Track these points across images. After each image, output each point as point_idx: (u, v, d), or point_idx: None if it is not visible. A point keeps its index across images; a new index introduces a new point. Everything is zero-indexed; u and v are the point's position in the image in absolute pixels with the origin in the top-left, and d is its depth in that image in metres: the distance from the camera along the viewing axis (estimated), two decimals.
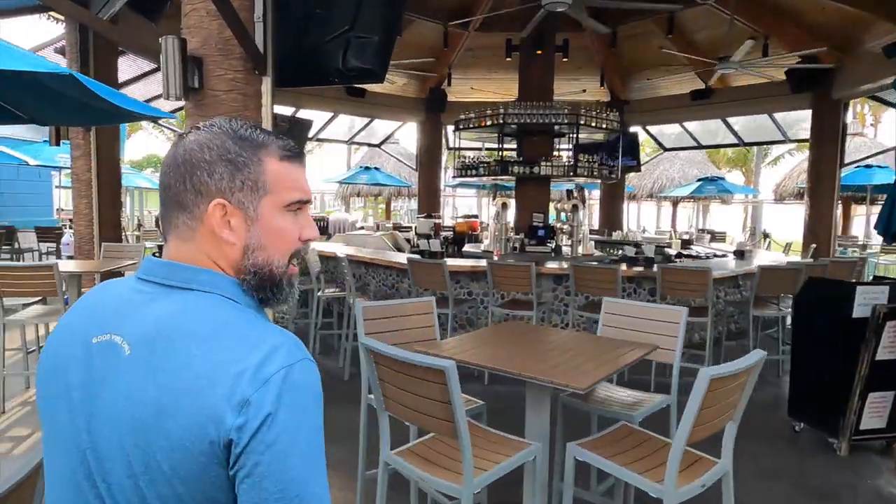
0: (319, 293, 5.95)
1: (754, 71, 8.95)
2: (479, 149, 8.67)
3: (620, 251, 9.55)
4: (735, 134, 12.70)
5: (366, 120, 14.69)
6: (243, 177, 0.87)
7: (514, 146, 8.83)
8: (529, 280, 4.98)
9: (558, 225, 8.58)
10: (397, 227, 11.81)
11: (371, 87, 12.89)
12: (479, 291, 6.11)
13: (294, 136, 12.45)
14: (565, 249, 8.17)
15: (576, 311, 5.15)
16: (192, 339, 0.78)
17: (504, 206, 8.05)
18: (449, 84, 12.81)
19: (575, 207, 7.98)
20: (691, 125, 13.67)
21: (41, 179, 10.53)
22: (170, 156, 0.88)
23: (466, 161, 8.42)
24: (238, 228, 0.87)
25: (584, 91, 13.09)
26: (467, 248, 8.98)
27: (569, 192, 9.38)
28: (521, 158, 7.91)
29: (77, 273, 4.83)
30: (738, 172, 23.33)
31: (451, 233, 11.26)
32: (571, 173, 7.77)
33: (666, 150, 14.43)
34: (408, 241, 10.20)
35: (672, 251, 8.23)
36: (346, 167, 21.40)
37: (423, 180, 14.14)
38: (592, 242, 8.28)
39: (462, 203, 26.77)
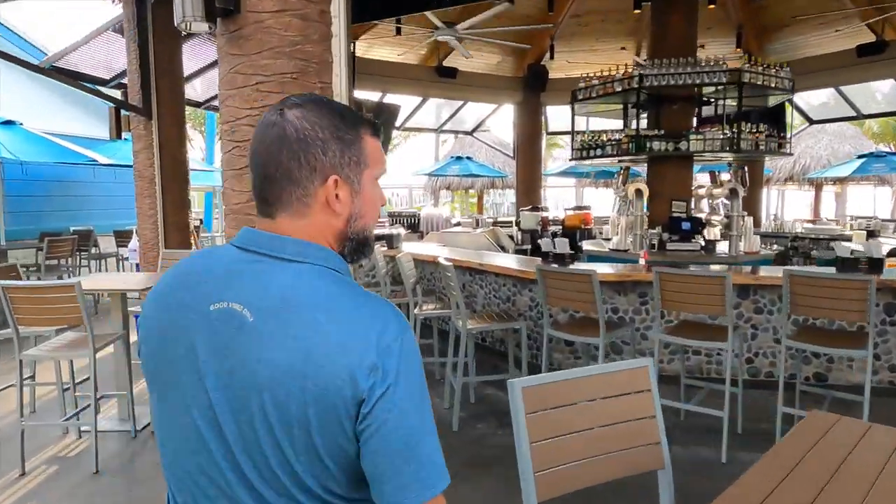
0: (416, 310, 4.65)
1: None
2: (581, 132, 7.11)
3: (793, 247, 7.61)
4: None
5: (454, 107, 13.36)
6: (350, 153, 0.93)
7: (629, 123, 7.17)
8: (722, 295, 3.39)
9: (706, 216, 6.81)
10: (496, 223, 10.38)
11: (464, 66, 11.55)
12: (629, 309, 4.58)
13: (381, 124, 11.34)
14: (720, 247, 6.41)
15: (788, 340, 3.50)
16: (316, 309, 0.85)
17: (638, 192, 6.41)
18: (552, 57, 11.21)
19: (733, 192, 6.20)
20: (847, 90, 11.27)
21: (117, 180, 9.99)
22: (275, 133, 0.91)
23: (588, 140, 6.84)
24: (345, 200, 0.93)
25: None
26: (587, 245, 7.39)
27: (713, 173, 7.55)
28: (660, 132, 6.23)
29: (116, 291, 3.79)
30: (885, 149, 19.92)
31: (560, 227, 9.70)
32: (729, 148, 6.00)
33: (813, 122, 12.03)
34: (510, 237, 8.76)
35: (865, 247, 6.24)
36: (434, 159, 20.21)
37: (521, 169, 12.64)
38: (757, 238, 6.46)
39: (553, 195, 24.91)
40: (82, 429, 3.88)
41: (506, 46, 11.89)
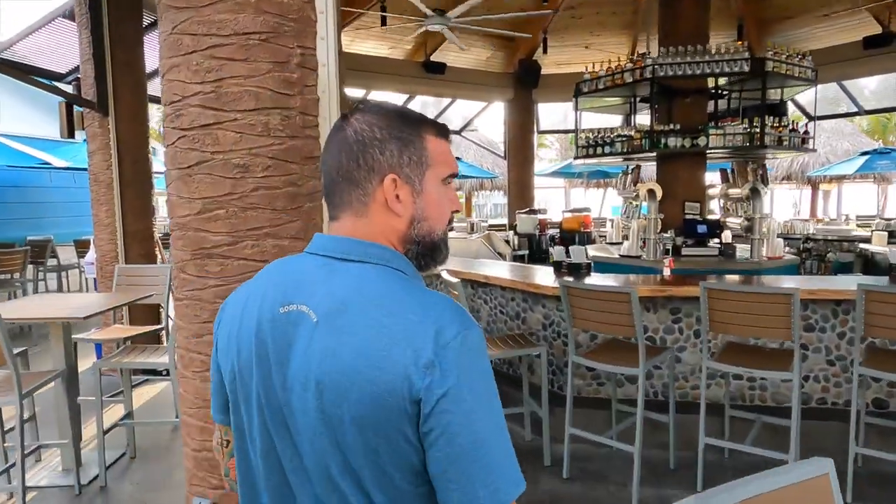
0: None
1: None
2: (588, 129, 6.51)
3: (805, 249, 7.13)
4: None
5: (442, 105, 12.76)
6: (410, 153, 0.91)
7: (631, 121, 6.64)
8: (788, 316, 2.82)
9: (721, 218, 6.29)
10: (490, 227, 9.79)
11: (452, 62, 10.96)
12: (659, 328, 4.01)
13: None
14: (741, 252, 5.89)
15: (862, 367, 2.94)
16: (378, 308, 0.83)
17: (651, 193, 5.86)
18: (545, 51, 10.66)
19: (755, 192, 5.68)
20: (848, 85, 10.91)
21: (78, 185, 9.20)
22: (337, 138, 0.92)
23: (595, 136, 6.28)
24: (406, 201, 0.91)
25: None
26: (593, 251, 6.83)
27: (724, 171, 7.04)
28: (675, 127, 5.68)
29: (49, 320, 3.11)
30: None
31: (558, 230, 9.16)
32: (750, 143, 5.48)
33: (812, 118, 11.63)
34: (506, 242, 8.18)
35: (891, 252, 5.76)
36: None
37: (513, 169, 12.08)
38: (780, 241, 5.94)
39: (542, 196, 24.46)
40: (14, 483, 3.19)
41: (496, 40, 11.35)
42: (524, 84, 11.57)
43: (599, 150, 6.16)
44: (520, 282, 3.99)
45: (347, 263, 0.88)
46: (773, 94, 6.68)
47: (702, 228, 6.03)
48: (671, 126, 5.65)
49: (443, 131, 0.96)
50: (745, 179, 6.25)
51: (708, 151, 6.10)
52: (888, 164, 10.66)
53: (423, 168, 0.91)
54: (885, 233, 6.89)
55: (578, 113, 6.66)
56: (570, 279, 3.97)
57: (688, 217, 6.23)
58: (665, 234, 5.96)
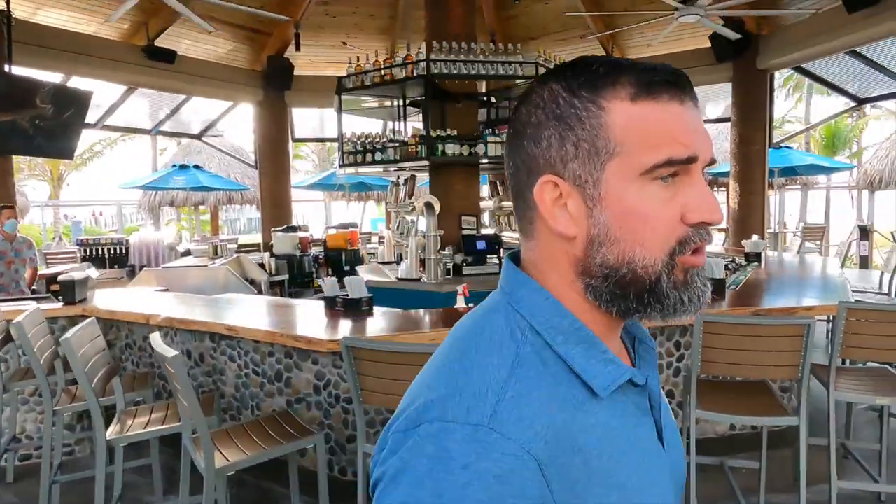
0: (112, 431, 2.57)
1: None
2: (331, 139, 5.68)
3: None
4: None
5: (176, 101, 10.70)
6: (576, 137, 0.58)
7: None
8: (799, 351, 2.23)
9: (501, 233, 5.93)
10: (240, 248, 8.25)
11: (185, 51, 9.12)
12: None
13: (64, 115, 8.26)
14: None
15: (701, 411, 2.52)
16: (433, 359, 0.62)
17: (430, 207, 5.17)
18: (297, 48, 9.50)
19: None
20: None
21: None
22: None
23: (363, 141, 5.37)
24: (577, 213, 0.59)
25: None
26: (365, 273, 5.92)
27: (494, 184, 6.78)
28: (452, 132, 5.08)
29: None
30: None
31: (322, 249, 8.08)
32: None
33: None
34: (261, 266, 6.83)
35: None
36: (152, 169, 16.64)
37: (266, 181, 10.61)
38: None
39: (299, 210, 22.96)
40: None
41: (240, 31, 9.83)
42: (275, 85, 10.24)
43: (368, 156, 5.27)
44: (281, 333, 2.82)
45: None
46: None
47: (481, 244, 5.55)
48: (448, 132, 5.02)
49: (658, 84, 0.56)
50: None
51: (481, 162, 5.67)
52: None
53: (601, 158, 0.57)
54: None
55: (339, 115, 5.69)
56: (352, 324, 2.94)
57: (465, 232, 5.71)
58: (444, 252, 5.32)
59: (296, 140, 12.28)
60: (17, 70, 7.11)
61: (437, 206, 5.24)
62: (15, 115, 7.36)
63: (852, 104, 10.02)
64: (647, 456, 0.61)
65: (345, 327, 2.98)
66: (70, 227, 15.81)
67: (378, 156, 5.15)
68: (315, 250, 7.83)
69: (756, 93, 8.99)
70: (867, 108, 16.67)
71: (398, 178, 6.33)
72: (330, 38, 10.13)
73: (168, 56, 8.70)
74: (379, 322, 3.09)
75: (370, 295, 3.38)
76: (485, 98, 6.02)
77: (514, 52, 5.00)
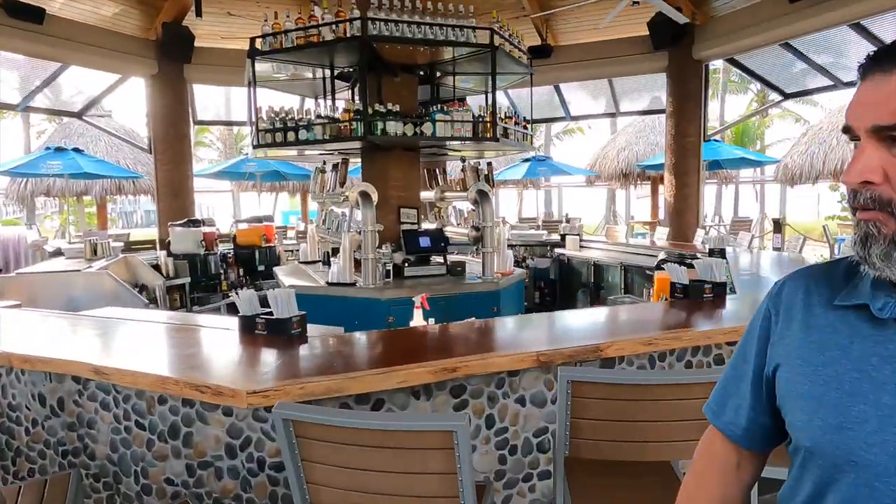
0: None
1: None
2: (239, 122, 4.72)
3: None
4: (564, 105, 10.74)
5: (48, 71, 9.04)
6: None
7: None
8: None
9: (450, 228, 5.19)
10: (129, 246, 6.96)
11: (58, 11, 7.63)
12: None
13: None
14: (470, 268, 4.84)
15: None
16: None
17: (365, 198, 4.33)
18: (199, 14, 8.22)
19: (483, 195, 4.67)
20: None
21: None
22: None
23: (283, 119, 4.43)
24: None
25: None
26: (286, 276, 4.98)
27: (430, 171, 6.01)
28: (394, 108, 4.25)
29: None
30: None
31: (232, 247, 6.98)
32: (481, 135, 4.43)
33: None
34: (156, 268, 5.69)
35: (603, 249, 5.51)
36: (26, 150, 14.42)
37: (163, 168, 9.24)
38: (510, 254, 5.08)
39: (203, 202, 21.08)
40: None
41: None
42: (172, 56, 8.90)
43: (290, 136, 4.34)
44: (176, 380, 1.90)
45: None
46: (477, 85, 5.91)
47: (425, 241, 4.78)
48: (390, 107, 4.19)
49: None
50: (440, 180, 5.25)
51: (422, 146, 4.91)
52: (546, 170, 11.70)
53: None
54: (577, 237, 6.87)
55: (253, 85, 4.69)
56: (279, 359, 2.09)
57: (406, 228, 4.92)
58: (382, 251, 4.50)
59: (198, 123, 10.89)
60: None
61: (375, 197, 4.41)
62: None
63: (774, 100, 10.16)
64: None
65: (269, 363, 2.12)
66: None
67: (303, 134, 4.23)
68: (223, 248, 6.73)
69: (691, 83, 8.81)
70: (771, 107, 17.45)
71: (324, 163, 5.42)
72: (236, 3, 8.90)
73: (34, 14, 7.21)
74: (317, 354, 2.25)
75: (302, 313, 2.52)
76: (426, 72, 5.23)
77: (465, 15, 4.25)
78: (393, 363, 1.98)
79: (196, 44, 8.99)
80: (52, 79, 9.01)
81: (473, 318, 2.74)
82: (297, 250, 7.80)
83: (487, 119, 4.40)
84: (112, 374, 2.02)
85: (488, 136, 4.39)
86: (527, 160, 11.53)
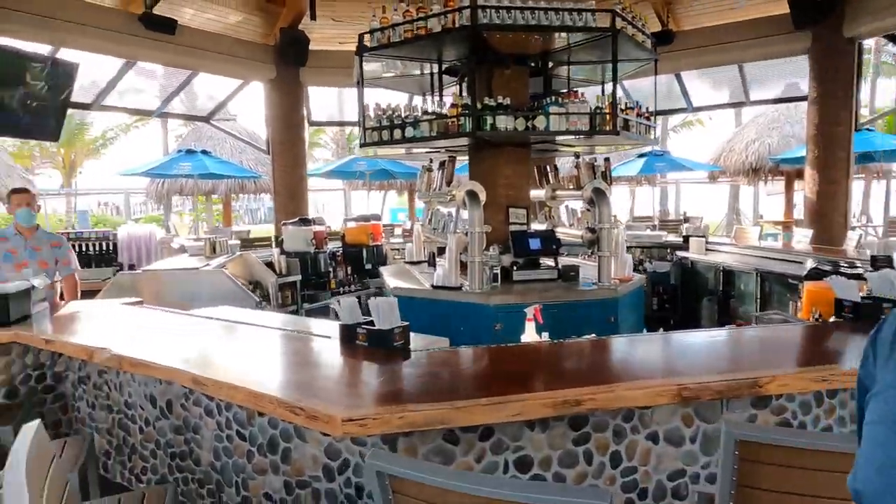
0: None
1: None
2: (351, 122, 4.73)
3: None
4: (687, 97, 9.87)
5: (180, 78, 9.71)
6: None
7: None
8: None
9: (561, 228, 4.86)
10: (247, 243, 7.27)
11: (188, 22, 8.14)
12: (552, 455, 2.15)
13: (52, 92, 7.32)
14: (584, 273, 4.47)
15: None
16: None
17: (473, 197, 4.10)
18: (313, 17, 8.45)
19: (599, 194, 4.28)
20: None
21: None
22: None
23: (389, 117, 4.32)
24: None
25: None
26: (390, 278, 4.88)
27: (540, 168, 5.65)
28: (503, 101, 3.98)
29: None
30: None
31: (341, 245, 7.06)
32: (599, 128, 4.05)
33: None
34: (270, 266, 5.83)
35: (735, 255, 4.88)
36: (164, 152, 15.75)
37: (279, 169, 9.63)
38: (629, 258, 4.65)
39: (316, 200, 21.94)
40: None
41: (248, 0, 8.82)
42: (289, 60, 9.22)
43: (397, 133, 4.21)
44: (270, 398, 1.77)
45: None
46: (590, 76, 5.48)
47: (534, 243, 4.47)
48: (500, 100, 3.92)
49: None
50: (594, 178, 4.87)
51: (534, 141, 4.61)
52: (664, 165, 10.89)
53: None
54: (703, 238, 6.21)
55: (361, 83, 4.62)
56: (379, 378, 1.90)
57: (515, 228, 4.64)
58: (489, 253, 4.25)
59: (312, 124, 11.26)
60: (2, 40, 6.20)
61: (483, 196, 4.17)
62: (2, 92, 6.46)
63: None
64: None
65: (368, 383, 1.94)
66: (77, 218, 15.05)
67: (409, 132, 4.08)
68: (332, 246, 6.82)
69: (840, 66, 7.73)
70: None
71: (430, 161, 5.27)
72: (349, 5, 9.03)
73: (168, 25, 7.71)
74: (421, 373, 2.04)
75: (405, 324, 2.32)
76: (537, 63, 4.90)
77: None
78: (506, 391, 1.72)
79: (311, 47, 9.25)
80: (183, 86, 9.67)
81: (594, 336, 2.41)
82: (403, 249, 7.78)
83: (607, 111, 4.01)
84: (210, 385, 1.94)
85: (607, 128, 4.00)
86: (642, 155, 10.77)
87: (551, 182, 5.37)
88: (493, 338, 3.89)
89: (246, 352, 2.43)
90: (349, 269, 6.91)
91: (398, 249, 7.73)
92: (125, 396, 2.75)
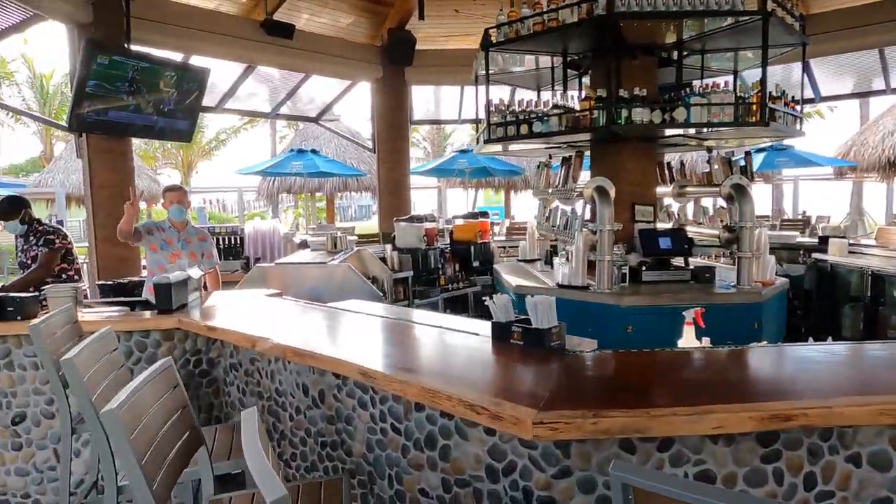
0: None
1: None
2: (451, 121, 4.71)
3: None
4: None
5: (293, 82, 10.14)
6: None
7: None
8: None
9: (697, 228, 4.59)
10: (362, 239, 7.46)
11: (303, 26, 8.48)
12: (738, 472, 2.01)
13: (184, 96, 7.89)
14: (721, 275, 4.19)
15: None
16: None
17: (602, 194, 3.94)
18: (421, 17, 8.55)
19: (740, 190, 3.99)
20: None
21: None
22: None
23: (514, 112, 4.25)
24: None
25: None
26: (510, 276, 4.81)
27: (662, 164, 5.37)
28: (640, 92, 3.80)
29: None
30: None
31: (448, 242, 7.09)
32: (749, 119, 3.77)
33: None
34: (382, 260, 5.93)
35: None
36: (272, 155, 16.59)
37: (384, 166, 9.85)
38: (772, 259, 4.31)
39: (415, 198, 22.35)
40: None
41: (359, 1, 9.06)
42: (396, 60, 9.39)
43: (524, 128, 4.13)
44: (451, 396, 1.74)
45: None
46: (722, 64, 5.13)
47: (665, 242, 4.24)
48: (637, 91, 3.75)
49: None
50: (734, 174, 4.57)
51: (662, 136, 4.37)
52: (787, 160, 10.11)
53: None
54: (844, 240, 5.67)
55: (486, 78, 4.56)
56: (557, 377, 1.84)
57: (641, 227, 4.42)
58: (616, 252, 4.08)
59: (414, 123, 11.43)
60: (136, 49, 6.73)
61: (612, 192, 4.01)
62: (139, 98, 7.01)
63: None
64: None
65: (541, 384, 1.87)
66: (196, 214, 16.19)
67: (537, 126, 3.99)
68: (442, 243, 6.86)
69: None
70: None
71: (549, 157, 5.15)
72: (459, 3, 9.05)
73: (286, 30, 8.08)
74: (590, 375, 1.95)
75: (561, 323, 2.24)
76: (667, 52, 4.65)
77: None
78: (697, 400, 1.59)
79: (418, 47, 9.36)
80: (295, 89, 10.08)
81: (778, 344, 2.22)
82: (507, 247, 7.70)
83: (753, 100, 3.72)
84: (379, 378, 1.95)
85: (753, 120, 3.71)
86: (760, 150, 10.04)
87: (677, 178, 5.09)
88: (624, 340, 3.74)
89: (399, 345, 2.45)
90: (457, 265, 6.92)
91: (504, 247, 7.67)
92: (276, 384, 2.86)
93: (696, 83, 4.29)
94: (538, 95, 5.77)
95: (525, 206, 18.67)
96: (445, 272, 6.73)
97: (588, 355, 2.14)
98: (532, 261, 5.57)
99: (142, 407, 1.49)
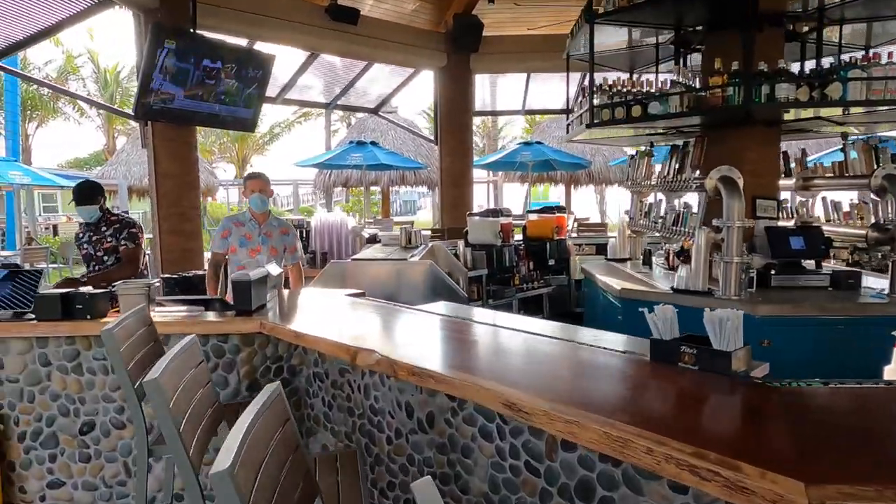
0: None
1: None
2: (511, 112, 4.21)
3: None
4: None
5: (354, 71, 9.81)
6: None
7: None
8: None
9: (831, 226, 4.00)
10: (436, 233, 7.06)
11: (368, 11, 8.14)
12: None
13: (248, 84, 7.64)
14: (868, 282, 3.59)
15: None
16: None
17: (729, 185, 3.40)
18: (491, 0, 8.08)
19: (894, 181, 3.38)
20: None
21: None
22: None
23: (621, 92, 3.75)
24: None
25: None
26: (611, 280, 4.31)
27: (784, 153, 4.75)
28: (785, 65, 3.24)
29: None
30: None
31: (522, 238, 6.62)
32: None
33: None
34: (456, 256, 5.51)
35: None
36: (325, 147, 16.44)
37: (447, 158, 9.43)
38: None
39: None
40: None
41: None
42: (461, 47, 8.96)
43: (636, 110, 3.62)
44: (644, 447, 1.30)
45: None
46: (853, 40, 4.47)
47: (797, 242, 3.66)
48: (782, 64, 3.19)
49: None
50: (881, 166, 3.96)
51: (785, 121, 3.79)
52: None
53: None
54: None
55: (591, 56, 4.06)
56: (783, 427, 1.36)
57: (766, 224, 3.85)
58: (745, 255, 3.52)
59: (476, 114, 10.98)
60: (202, 33, 6.51)
61: (741, 183, 3.47)
62: (204, 86, 6.79)
63: None
64: None
65: (773, 436, 1.40)
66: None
67: (654, 108, 3.47)
68: (517, 240, 6.39)
69: None
70: None
71: (651, 144, 4.62)
72: None
73: (351, 15, 7.76)
74: (836, 423, 1.46)
75: (747, 346, 1.76)
76: (793, 24, 4.04)
77: None
78: None
79: (486, 33, 8.90)
80: (354, 81, 9.74)
81: None
82: (583, 245, 7.17)
83: None
84: (536, 414, 1.51)
85: None
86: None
87: (800, 169, 4.48)
88: (760, 356, 3.20)
89: (536, 364, 2.01)
90: (531, 263, 6.44)
91: (579, 244, 7.15)
92: (370, 400, 2.47)
93: (844, 57, 3.68)
94: (630, 77, 5.23)
95: (585, 202, 17.98)
96: (520, 271, 6.26)
97: (802, 390, 1.65)
98: (623, 260, 5.05)
99: (255, 459, 1.09)
